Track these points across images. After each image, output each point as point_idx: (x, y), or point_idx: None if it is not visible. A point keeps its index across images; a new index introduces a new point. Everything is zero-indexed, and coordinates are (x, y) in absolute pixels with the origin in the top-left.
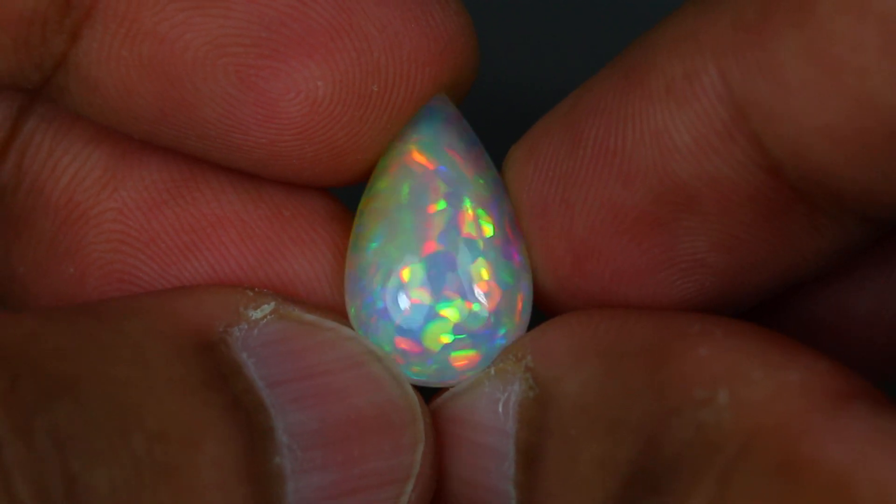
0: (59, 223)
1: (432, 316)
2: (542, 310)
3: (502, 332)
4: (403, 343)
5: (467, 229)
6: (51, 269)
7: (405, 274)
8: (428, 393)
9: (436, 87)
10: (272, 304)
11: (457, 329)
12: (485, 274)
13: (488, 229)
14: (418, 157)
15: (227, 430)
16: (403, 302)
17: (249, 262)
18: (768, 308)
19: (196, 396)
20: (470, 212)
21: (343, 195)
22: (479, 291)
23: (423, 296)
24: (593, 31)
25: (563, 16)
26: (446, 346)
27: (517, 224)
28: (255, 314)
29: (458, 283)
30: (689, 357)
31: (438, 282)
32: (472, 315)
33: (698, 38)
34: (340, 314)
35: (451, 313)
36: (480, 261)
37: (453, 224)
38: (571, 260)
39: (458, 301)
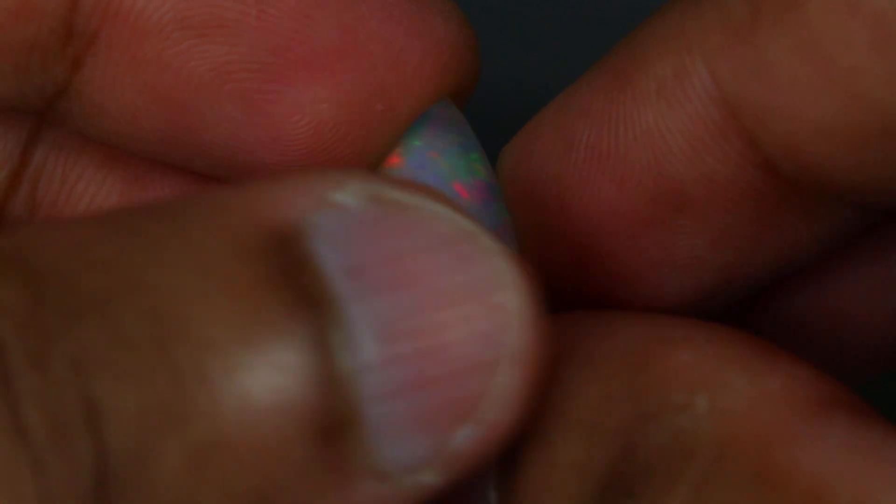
0: None
1: None
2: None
3: None
4: None
5: None
6: None
7: None
8: None
9: (438, 99)
10: (361, 183)
11: None
12: None
13: None
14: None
15: (289, 328)
16: None
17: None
18: (760, 304)
19: (255, 296)
20: None
21: None
22: None
23: None
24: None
25: (563, 15)
26: None
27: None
28: (342, 197)
29: None
30: (670, 362)
31: None
32: None
33: (687, 36)
34: None
35: None
36: None
37: None
38: (570, 262)
39: None
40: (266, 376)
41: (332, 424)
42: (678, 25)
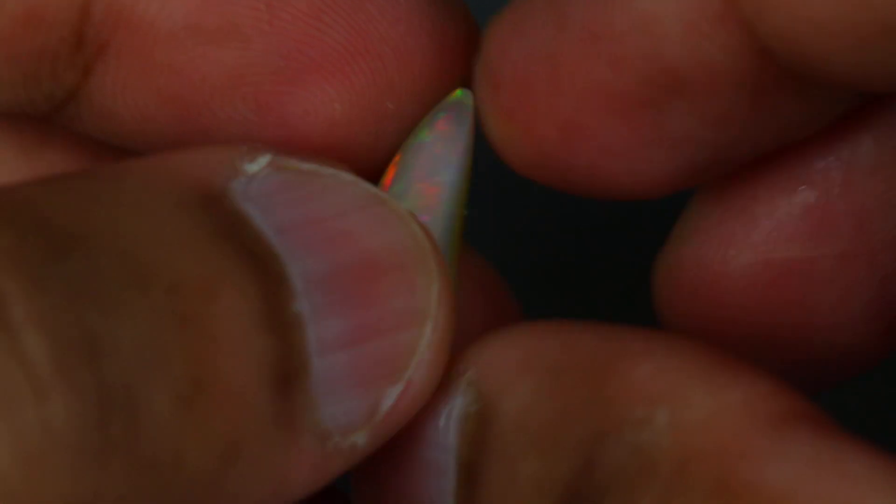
0: None
1: None
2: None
3: None
4: None
5: None
6: None
7: None
8: None
9: (444, 95)
10: (268, 156)
11: None
12: None
13: None
14: None
15: (242, 279)
16: None
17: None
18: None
19: (207, 247)
20: None
21: None
22: None
23: None
24: None
25: None
26: None
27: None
28: (253, 167)
29: None
30: (630, 376)
31: None
32: None
33: None
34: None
35: None
36: None
37: None
38: (557, 135)
39: None
40: (228, 322)
41: (286, 373)
42: None
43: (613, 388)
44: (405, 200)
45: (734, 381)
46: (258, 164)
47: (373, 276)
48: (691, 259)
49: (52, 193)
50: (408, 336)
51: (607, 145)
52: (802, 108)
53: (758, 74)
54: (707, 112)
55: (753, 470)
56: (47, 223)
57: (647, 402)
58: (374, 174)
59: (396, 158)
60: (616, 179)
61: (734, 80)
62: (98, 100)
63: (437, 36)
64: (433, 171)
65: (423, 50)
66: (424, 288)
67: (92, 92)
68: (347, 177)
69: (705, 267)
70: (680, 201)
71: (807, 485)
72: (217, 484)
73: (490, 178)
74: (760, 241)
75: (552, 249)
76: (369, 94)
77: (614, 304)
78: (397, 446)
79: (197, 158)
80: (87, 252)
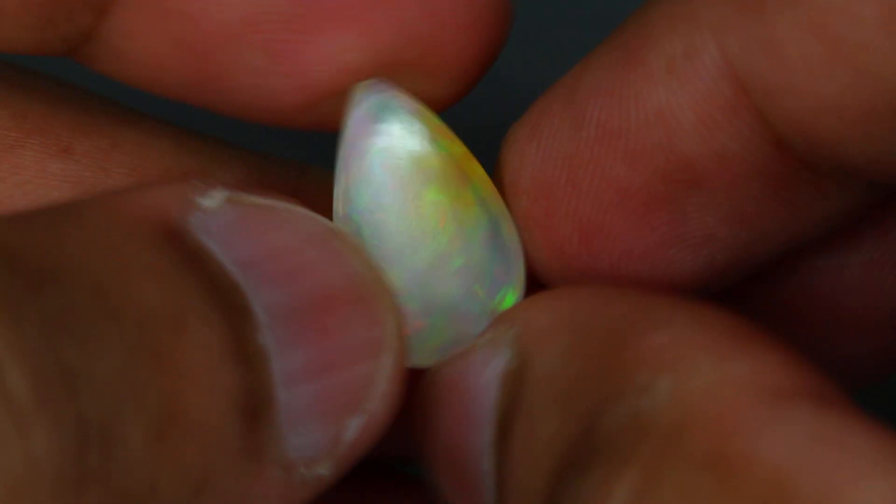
0: None
1: None
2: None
3: None
4: None
5: None
6: None
7: None
8: None
9: (470, 52)
10: (224, 191)
11: None
12: None
13: None
14: None
15: (208, 311)
16: None
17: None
18: (760, 289)
19: (172, 280)
20: None
21: None
22: None
23: None
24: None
25: (564, 17)
26: None
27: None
28: (208, 202)
29: None
30: (645, 342)
31: None
32: None
33: (697, 14)
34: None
35: None
36: None
37: None
38: (578, 239)
39: None
40: (197, 355)
41: (253, 405)
42: (687, 1)
43: (628, 354)
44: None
45: (744, 351)
46: (214, 199)
47: (331, 309)
48: None
49: (18, 231)
50: (367, 368)
51: (628, 247)
52: (822, 205)
53: (774, 166)
54: (725, 207)
55: (749, 441)
56: (17, 259)
57: (653, 369)
58: None
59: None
60: (638, 284)
61: (751, 173)
62: (113, 42)
63: None
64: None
65: (448, 3)
66: (381, 319)
67: (107, 35)
68: (302, 211)
69: None
70: None
71: (802, 458)
72: None
73: None
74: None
75: None
76: (388, 44)
77: None
78: (447, 399)
79: (154, 194)
80: (59, 286)
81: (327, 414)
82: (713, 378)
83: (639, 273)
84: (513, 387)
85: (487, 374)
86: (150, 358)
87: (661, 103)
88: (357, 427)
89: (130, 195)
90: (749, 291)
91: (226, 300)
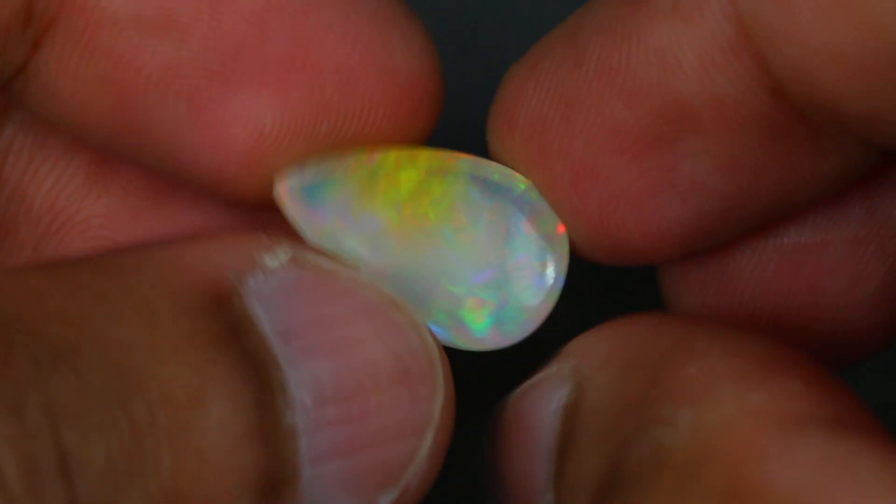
0: (42, 230)
1: None
2: None
3: None
4: None
5: None
6: None
7: None
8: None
9: (390, 128)
10: (289, 251)
11: None
12: None
13: None
14: None
15: (237, 388)
16: None
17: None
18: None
19: (204, 354)
20: None
21: None
22: None
23: None
24: None
25: (565, 15)
26: None
27: None
28: (272, 262)
29: None
30: (678, 375)
31: None
32: None
33: None
34: None
35: None
36: None
37: None
38: (569, 179)
39: None
40: (215, 434)
41: (273, 483)
42: None
43: (661, 387)
44: None
45: (766, 380)
46: (278, 260)
47: (374, 388)
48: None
49: (52, 294)
50: (406, 447)
51: (618, 191)
52: (817, 162)
53: (771, 115)
54: (719, 155)
55: (762, 473)
56: (38, 335)
57: (678, 401)
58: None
59: None
60: (625, 230)
61: (747, 120)
62: (43, 78)
63: (385, 63)
64: None
65: (369, 75)
66: (427, 399)
67: (38, 69)
68: (365, 280)
69: (715, 251)
70: None
71: (811, 485)
72: None
73: None
74: (772, 224)
75: None
76: (304, 111)
77: (617, 298)
78: (514, 432)
79: (216, 251)
80: (74, 366)
81: (357, 488)
82: (732, 410)
83: (626, 218)
84: (570, 419)
85: (550, 408)
86: (162, 438)
87: (663, 42)
88: (390, 499)
89: (194, 252)
90: (733, 269)
91: (259, 376)
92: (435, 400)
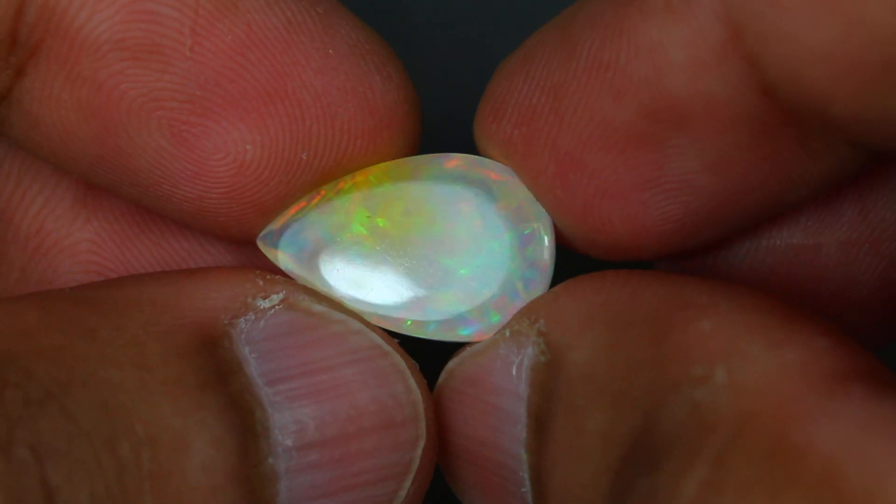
0: (30, 252)
1: None
2: None
3: None
4: None
5: None
6: None
7: None
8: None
9: (369, 158)
10: (282, 293)
11: None
12: None
13: None
14: None
15: (221, 431)
16: None
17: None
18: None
19: (190, 398)
20: None
21: None
22: None
23: None
24: None
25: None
26: None
27: None
28: (264, 304)
29: None
30: (691, 330)
31: None
32: None
33: None
34: None
35: None
36: None
37: None
38: (555, 170)
39: None
40: (197, 476)
41: None
42: None
43: (674, 342)
44: None
45: (792, 337)
46: (269, 301)
47: (357, 433)
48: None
49: (45, 330)
50: (386, 490)
51: (603, 185)
52: (805, 164)
53: (760, 115)
54: (707, 154)
55: (806, 432)
56: (29, 373)
57: (707, 358)
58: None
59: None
60: (610, 224)
61: (735, 119)
62: (26, 105)
63: (364, 95)
64: None
65: (347, 106)
66: (409, 445)
67: (21, 96)
68: (355, 325)
69: (707, 250)
70: None
71: (858, 449)
72: None
73: None
74: (765, 226)
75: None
76: (283, 142)
77: None
78: (471, 394)
79: (210, 290)
80: (63, 405)
81: None
82: (768, 367)
83: (611, 213)
84: (545, 381)
85: (514, 369)
86: (145, 479)
87: (654, 39)
88: None
89: (188, 291)
90: (726, 270)
91: (244, 419)
92: (417, 446)
